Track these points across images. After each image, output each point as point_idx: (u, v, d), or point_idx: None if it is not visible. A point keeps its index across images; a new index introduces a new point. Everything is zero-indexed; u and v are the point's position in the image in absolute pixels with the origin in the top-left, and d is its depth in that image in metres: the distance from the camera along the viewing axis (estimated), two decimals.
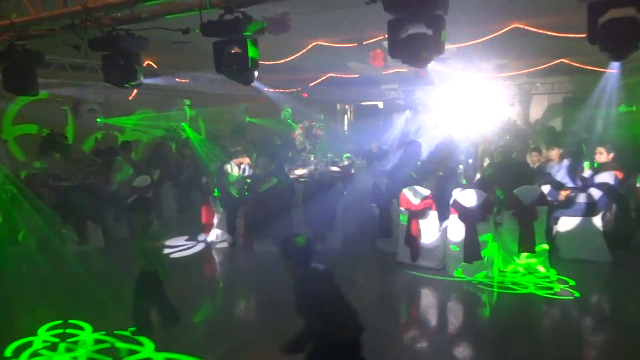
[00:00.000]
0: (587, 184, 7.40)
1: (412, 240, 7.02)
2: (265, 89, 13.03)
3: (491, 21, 7.95)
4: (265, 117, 14.67)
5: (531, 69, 12.23)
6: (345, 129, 18.31)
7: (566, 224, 7.15)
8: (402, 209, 7.15)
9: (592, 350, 4.89)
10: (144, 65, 10.26)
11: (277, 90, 14.11)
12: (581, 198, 7.10)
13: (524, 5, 7.18)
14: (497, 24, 8.06)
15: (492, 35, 8.37)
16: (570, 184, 7.55)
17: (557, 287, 6.15)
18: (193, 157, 12.01)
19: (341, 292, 3.41)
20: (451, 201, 6.69)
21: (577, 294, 5.94)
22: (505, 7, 7.27)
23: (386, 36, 3.47)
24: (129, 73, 4.66)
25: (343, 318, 3.32)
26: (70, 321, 5.42)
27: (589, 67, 11.97)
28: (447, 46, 3.47)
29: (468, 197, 6.56)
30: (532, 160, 8.57)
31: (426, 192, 6.96)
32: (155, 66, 10.56)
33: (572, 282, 6.27)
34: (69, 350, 4.86)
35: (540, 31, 8.13)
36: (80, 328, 5.30)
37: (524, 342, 4.89)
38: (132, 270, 5.20)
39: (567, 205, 7.12)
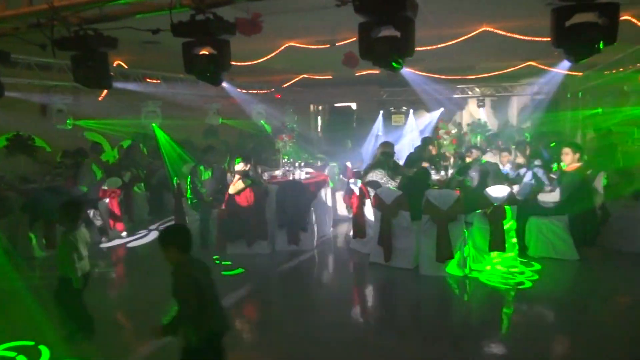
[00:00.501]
0: (554, 184, 7.57)
1: (385, 240, 7.07)
2: (238, 90, 12.97)
3: (461, 24, 8.09)
4: (238, 119, 14.59)
5: (500, 72, 12.46)
6: (319, 130, 18.33)
7: (534, 223, 7.30)
8: (375, 209, 7.20)
9: (560, 344, 5.00)
10: (115, 65, 10.18)
11: (250, 92, 14.06)
12: (549, 197, 7.27)
13: (493, 9, 7.33)
14: (467, 27, 8.21)
15: (462, 38, 8.52)
16: (537, 184, 7.70)
17: (528, 283, 6.28)
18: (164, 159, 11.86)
19: (215, 289, 3.54)
20: (423, 201, 6.77)
21: (542, 290, 6.10)
22: (475, 11, 7.40)
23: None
24: (99, 73, 4.58)
25: (215, 310, 3.49)
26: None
27: (556, 70, 12.27)
28: (418, 48, 3.51)
29: (439, 198, 6.65)
30: (502, 161, 8.75)
31: (398, 192, 7.03)
32: (126, 66, 10.42)
33: (536, 277, 6.44)
34: None
35: (509, 34, 8.30)
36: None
37: (495, 336, 4.99)
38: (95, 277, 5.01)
39: (536, 205, 7.27)
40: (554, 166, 8.65)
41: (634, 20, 7.78)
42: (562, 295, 6.24)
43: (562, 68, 11.75)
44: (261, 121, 14.30)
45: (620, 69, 10.63)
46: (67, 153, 10.01)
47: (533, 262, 7.03)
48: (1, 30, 4.73)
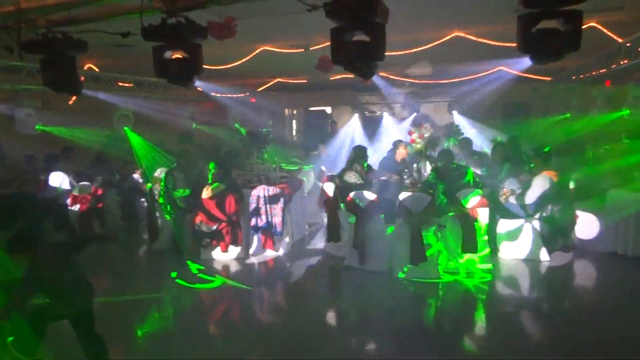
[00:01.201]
0: (524, 186, 7.71)
1: (359, 244, 7.11)
2: (212, 93, 12.91)
3: (434, 30, 8.21)
4: (212, 123, 14.49)
5: (471, 76, 12.66)
6: (294, 134, 18.33)
7: (506, 225, 7.44)
8: (350, 213, 7.24)
9: (530, 342, 5.09)
10: (85, 68, 10.03)
11: (225, 95, 14.00)
12: (519, 200, 7.41)
13: (464, 15, 7.46)
14: (439, 32, 8.33)
15: (435, 43, 8.65)
16: (510, 187, 7.84)
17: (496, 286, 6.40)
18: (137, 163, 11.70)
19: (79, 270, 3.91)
20: (398, 205, 6.83)
21: (514, 290, 6.21)
22: (446, 17, 7.52)
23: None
24: (67, 77, 4.51)
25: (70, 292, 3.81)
26: None
27: (526, 75, 12.52)
28: (390, 53, 3.56)
29: (413, 201, 6.72)
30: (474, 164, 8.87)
31: (372, 196, 7.07)
32: (97, 70, 10.27)
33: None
34: None
35: (480, 40, 8.46)
36: None
37: (468, 336, 5.06)
38: None
39: (507, 208, 7.40)
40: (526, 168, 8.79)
41: (599, 26, 8.01)
42: (533, 295, 6.37)
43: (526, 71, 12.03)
44: (236, 125, 14.23)
45: (587, 74, 10.92)
46: (35, 158, 9.78)
47: (504, 264, 7.17)
48: None
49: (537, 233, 7.29)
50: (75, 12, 4.21)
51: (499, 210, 7.38)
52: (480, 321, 5.65)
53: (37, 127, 10.25)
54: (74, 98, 10.39)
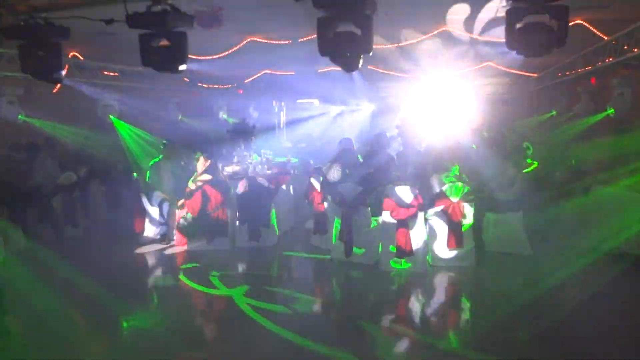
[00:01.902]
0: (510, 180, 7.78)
1: (345, 236, 7.11)
2: (199, 84, 12.79)
3: (422, 24, 8.20)
4: (198, 114, 14.36)
5: (460, 71, 12.68)
6: (281, 126, 18.25)
7: (491, 218, 7.49)
8: (336, 205, 7.24)
9: (515, 333, 5.14)
10: (70, 56, 9.85)
11: (212, 86, 13.88)
12: (505, 194, 7.46)
13: (453, 9, 7.46)
14: (427, 26, 8.33)
15: (422, 38, 8.64)
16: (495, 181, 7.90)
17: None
18: (123, 153, 11.56)
19: None
20: (384, 198, 6.83)
21: (498, 283, 6.27)
22: (435, 11, 7.52)
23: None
24: (51, 65, 4.43)
25: None
26: None
27: (513, 71, 12.58)
28: (378, 46, 3.54)
29: (400, 194, 6.73)
30: None
31: (359, 188, 7.07)
32: (82, 58, 10.10)
33: None
34: None
35: (467, 34, 8.47)
36: None
37: (454, 329, 5.10)
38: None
39: (492, 201, 7.46)
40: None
41: (585, 23, 8.05)
42: (515, 287, 6.43)
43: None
44: (224, 115, 14.14)
45: (573, 71, 10.99)
46: (18, 146, 9.60)
47: (489, 257, 7.22)
48: None
49: (521, 227, 7.35)
50: None
51: (484, 204, 7.42)
52: (465, 315, 5.69)
53: (20, 116, 10.04)
54: (58, 86, 10.23)
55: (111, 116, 11.57)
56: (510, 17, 3.24)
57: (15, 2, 4.02)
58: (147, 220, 8.61)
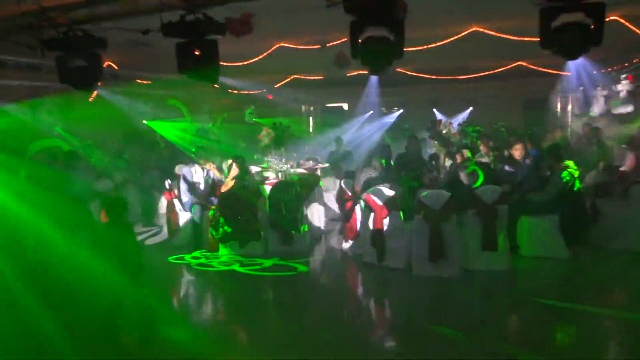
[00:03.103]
0: (545, 183, 7.63)
1: (378, 241, 7.08)
2: (230, 90, 12.96)
3: (451, 24, 8.13)
4: (229, 120, 14.57)
5: (490, 72, 12.53)
6: (311, 130, 18.34)
7: (526, 222, 7.35)
8: (368, 210, 7.22)
9: (554, 340, 5.03)
10: (105, 66, 10.11)
11: (242, 92, 14.05)
12: (540, 197, 7.32)
13: (483, 10, 7.37)
14: (457, 27, 8.25)
15: (452, 39, 8.56)
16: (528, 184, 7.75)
17: None
18: (158, 159, 11.81)
19: None
20: (416, 202, 6.79)
21: (535, 288, 6.13)
22: (465, 11, 7.44)
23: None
24: (88, 74, 4.57)
25: None
26: None
27: (546, 70, 12.35)
28: (407, 49, 3.53)
29: (432, 198, 6.67)
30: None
31: (391, 192, 7.04)
32: (116, 67, 10.37)
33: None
34: None
35: (499, 35, 8.36)
36: None
37: (489, 335, 5.01)
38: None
39: (527, 204, 7.33)
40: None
41: (621, 20, 7.85)
42: (554, 292, 6.29)
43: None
44: (253, 119, 14.28)
45: (609, 69, 10.73)
46: (57, 154, 9.91)
47: (525, 262, 7.08)
48: None
49: (557, 230, 7.18)
50: (95, 10, 4.26)
51: (518, 207, 7.29)
52: (500, 321, 5.59)
53: (56, 128, 10.33)
54: (94, 94, 10.52)
55: (145, 121, 11.85)
56: (545, 16, 3.18)
57: (55, 15, 4.17)
58: (180, 225, 8.76)
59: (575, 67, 11.21)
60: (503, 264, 6.80)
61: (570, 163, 7.55)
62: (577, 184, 7.64)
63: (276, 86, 14.29)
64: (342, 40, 8.29)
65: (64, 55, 4.53)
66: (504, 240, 6.88)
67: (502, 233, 6.85)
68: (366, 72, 11.76)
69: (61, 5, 3.99)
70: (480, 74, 12.93)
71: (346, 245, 8.12)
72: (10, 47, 4.97)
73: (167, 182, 8.96)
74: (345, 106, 18.16)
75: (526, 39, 8.32)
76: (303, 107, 18.13)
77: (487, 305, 6.03)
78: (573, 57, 3.29)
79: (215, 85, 12.82)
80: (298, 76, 13.26)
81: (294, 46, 9.29)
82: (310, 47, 9.24)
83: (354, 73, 12.06)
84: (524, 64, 11.82)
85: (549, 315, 5.63)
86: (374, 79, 13.45)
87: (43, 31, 4.16)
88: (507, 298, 6.10)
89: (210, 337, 5.22)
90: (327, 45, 8.91)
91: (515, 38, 8.48)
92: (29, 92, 9.92)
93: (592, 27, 3.19)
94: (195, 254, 7.98)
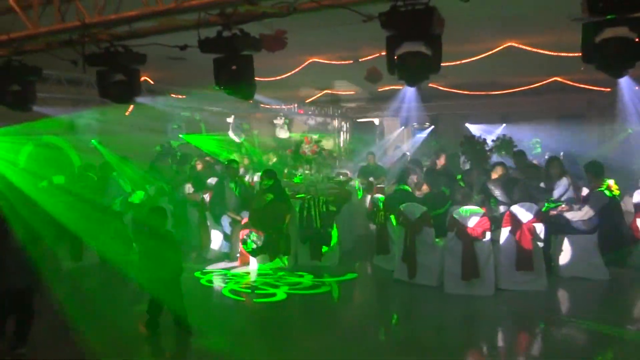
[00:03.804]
0: (583, 201, 7.42)
1: (409, 257, 6.99)
2: (262, 105, 13.09)
3: (486, 40, 8.04)
4: (261, 133, 14.71)
5: (525, 87, 12.32)
6: (342, 145, 18.35)
7: (564, 241, 7.14)
8: (399, 226, 7.15)
9: None
10: (141, 80, 10.36)
11: (274, 107, 14.18)
12: (578, 215, 7.11)
13: (518, 24, 7.27)
14: (492, 42, 8.15)
15: (487, 54, 8.46)
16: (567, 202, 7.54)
17: None
18: (191, 173, 11.96)
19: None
20: (448, 218, 6.68)
21: (576, 310, 5.93)
22: (500, 26, 7.35)
23: (382, 54, 3.51)
24: (127, 89, 4.66)
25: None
26: None
27: (583, 86, 12.08)
28: (442, 64, 3.49)
29: (466, 214, 6.56)
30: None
31: (423, 208, 6.95)
32: (152, 82, 10.59)
33: None
34: None
35: (535, 50, 8.22)
36: None
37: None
38: (125, 289, 5.12)
39: (564, 223, 7.12)
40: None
41: None
42: (592, 315, 6.07)
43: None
44: (291, 134, 14.38)
45: None
46: (92, 166, 10.12)
47: (562, 282, 6.87)
48: (34, 46, 4.86)
49: (596, 250, 6.95)
50: (135, 26, 4.36)
51: (556, 225, 7.09)
52: (536, 343, 5.42)
53: (92, 141, 10.56)
54: (130, 108, 10.76)
55: (181, 135, 12.06)
56: (587, 31, 3.11)
57: (98, 32, 4.28)
58: (211, 237, 8.84)
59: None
60: (538, 284, 6.62)
61: (610, 181, 7.32)
62: (617, 202, 7.40)
63: (308, 101, 14.37)
64: (375, 55, 8.30)
65: (104, 70, 4.64)
66: (540, 260, 6.69)
67: (538, 252, 6.67)
68: (398, 87, 11.70)
69: (103, 21, 4.09)
70: (515, 90, 12.71)
71: (376, 260, 8.04)
72: (53, 61, 5.11)
73: (200, 195, 9.06)
74: (376, 121, 18.13)
75: (562, 54, 8.16)
76: (335, 122, 18.18)
77: (521, 327, 5.85)
78: (617, 73, 3.20)
79: (250, 101, 13.00)
80: (330, 91, 13.30)
81: (326, 61, 9.33)
82: (343, 62, 9.26)
83: (386, 88, 12.03)
84: (559, 79, 11.58)
85: (586, 338, 5.44)
86: (405, 94, 13.40)
87: (84, 46, 4.29)
88: (542, 319, 5.91)
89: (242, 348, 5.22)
90: (360, 60, 8.91)
91: (551, 53, 8.32)
92: (69, 106, 10.20)
93: (636, 40, 3.09)
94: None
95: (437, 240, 6.90)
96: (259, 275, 7.69)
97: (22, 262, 4.65)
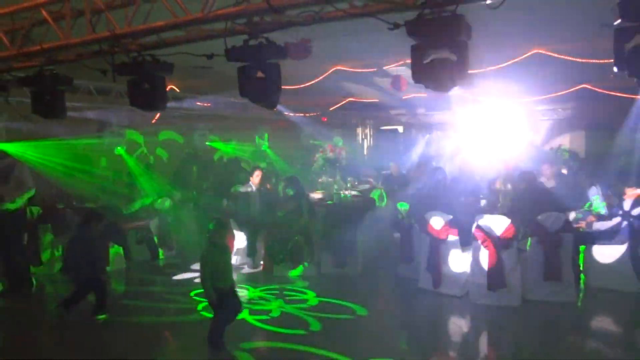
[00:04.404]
0: (616, 210, 7.24)
1: (434, 266, 6.92)
2: (286, 112, 13.14)
3: (512, 46, 7.95)
4: (285, 142, 14.73)
5: (553, 94, 12.13)
6: (365, 153, 18.30)
7: (595, 252, 6.97)
8: (424, 234, 7.08)
9: None
10: (167, 89, 10.52)
11: (297, 115, 14.21)
12: (609, 226, 6.94)
13: (545, 31, 7.17)
14: (518, 49, 8.06)
15: (513, 61, 8.36)
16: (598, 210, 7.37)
17: None
18: (215, 179, 12.07)
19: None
20: (474, 227, 6.60)
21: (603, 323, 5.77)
22: (526, 33, 7.26)
23: (407, 61, 3.50)
24: (154, 97, 4.75)
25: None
26: None
27: (613, 93, 11.83)
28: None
29: (492, 224, 6.47)
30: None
31: (448, 217, 6.88)
32: (178, 90, 10.74)
33: None
34: None
35: (562, 57, 8.09)
36: None
37: None
38: (152, 293, 5.20)
39: (594, 232, 6.97)
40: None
41: None
42: (621, 328, 5.91)
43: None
44: (311, 141, 14.38)
45: None
46: (122, 173, 10.32)
47: (592, 293, 6.70)
48: (66, 56, 4.98)
49: (628, 261, 6.76)
50: (164, 36, 4.44)
51: (584, 235, 6.94)
52: (563, 354, 5.29)
53: (118, 148, 10.72)
54: (157, 116, 10.93)
55: (207, 142, 12.20)
56: (620, 37, 3.05)
57: (127, 42, 4.37)
58: (235, 244, 8.88)
59: None
60: (566, 295, 6.47)
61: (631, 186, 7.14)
62: None
63: (331, 109, 14.37)
64: (399, 63, 8.28)
65: (135, 79, 4.74)
66: (569, 270, 6.55)
67: (567, 262, 6.53)
68: (422, 95, 11.62)
69: (132, 32, 4.18)
70: (542, 97, 12.52)
71: (400, 269, 7.97)
72: (82, 71, 5.23)
73: (224, 202, 9.13)
74: (400, 129, 18.04)
75: (591, 61, 8.02)
76: (358, 130, 18.15)
77: (549, 339, 5.72)
78: None
79: (274, 109, 13.07)
80: (353, 99, 13.29)
81: (350, 69, 9.33)
82: (367, 70, 9.25)
83: (410, 96, 11.98)
84: (588, 86, 11.36)
85: (615, 352, 5.29)
86: (429, 101, 13.32)
87: (114, 56, 4.39)
88: (570, 331, 5.77)
89: None
90: (384, 68, 8.89)
91: (580, 60, 8.18)
92: (99, 114, 10.39)
93: None
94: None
95: (463, 249, 6.82)
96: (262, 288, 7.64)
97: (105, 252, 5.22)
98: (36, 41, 4.73)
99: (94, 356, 5.27)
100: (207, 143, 12.27)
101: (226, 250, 5.41)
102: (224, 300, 5.13)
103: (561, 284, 6.46)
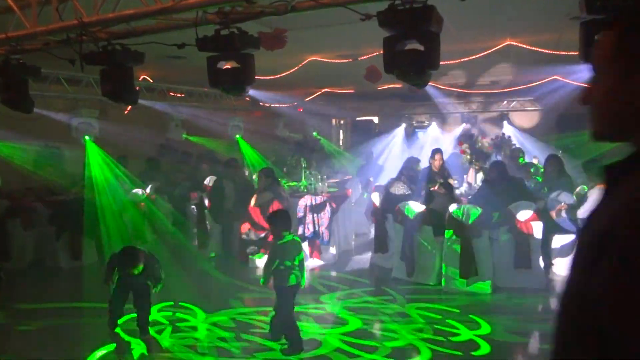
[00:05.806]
0: (578, 200, 7.42)
1: (407, 255, 7.00)
2: (261, 103, 13.08)
3: (485, 38, 8.04)
4: (260, 132, 14.67)
5: (525, 86, 12.33)
6: (341, 144, 18.35)
7: (560, 240, 7.15)
8: (398, 224, 7.15)
9: None
10: (140, 79, 10.35)
11: (273, 105, 14.16)
12: (572, 215, 7.12)
13: (517, 23, 7.27)
14: (491, 41, 8.15)
15: (486, 52, 8.45)
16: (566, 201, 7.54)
17: None
18: (189, 171, 11.97)
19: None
20: (446, 216, 6.69)
21: None
22: (499, 25, 7.35)
23: (381, 52, 3.51)
24: (125, 88, 4.67)
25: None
26: None
27: (582, 85, 12.06)
28: (441, 62, 3.49)
29: (463, 213, 6.57)
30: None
31: (421, 207, 6.96)
32: (151, 80, 10.58)
33: None
34: None
35: (534, 49, 8.21)
36: None
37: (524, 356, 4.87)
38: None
39: (562, 222, 7.13)
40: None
41: None
42: None
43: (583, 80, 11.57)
44: (285, 132, 14.35)
45: None
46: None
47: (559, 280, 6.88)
48: (32, 45, 4.86)
49: None
50: (134, 25, 4.35)
51: (553, 224, 7.11)
52: (535, 341, 5.42)
53: (85, 137, 10.47)
54: (129, 108, 10.73)
55: (184, 134, 12.07)
56: (586, 30, 3.11)
57: (96, 30, 4.27)
58: (210, 237, 8.84)
59: None
60: (537, 282, 6.62)
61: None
62: None
63: (307, 99, 14.35)
64: (374, 54, 8.29)
65: (107, 69, 4.64)
66: (538, 258, 6.70)
67: (536, 250, 6.69)
68: (396, 85, 11.68)
69: (101, 20, 4.08)
70: (514, 88, 12.72)
71: (375, 259, 8.04)
72: (50, 60, 5.11)
73: (198, 193, 9.06)
74: (375, 119, 18.13)
75: (562, 52, 8.15)
76: (333, 121, 18.18)
77: (519, 325, 5.86)
78: None
79: (247, 98, 12.99)
80: (329, 90, 13.29)
81: (325, 60, 9.32)
82: (342, 60, 9.25)
83: (385, 86, 12.03)
84: (559, 78, 11.57)
85: None
86: (403, 92, 13.40)
87: (82, 45, 4.28)
88: (541, 317, 5.92)
89: None
90: (359, 59, 8.90)
91: (551, 52, 8.31)
92: (69, 104, 10.18)
93: None
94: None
95: (435, 238, 6.91)
96: None
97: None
98: (1, 29, 4.60)
99: None
100: (184, 135, 12.14)
101: None
102: None
103: (532, 271, 6.61)
